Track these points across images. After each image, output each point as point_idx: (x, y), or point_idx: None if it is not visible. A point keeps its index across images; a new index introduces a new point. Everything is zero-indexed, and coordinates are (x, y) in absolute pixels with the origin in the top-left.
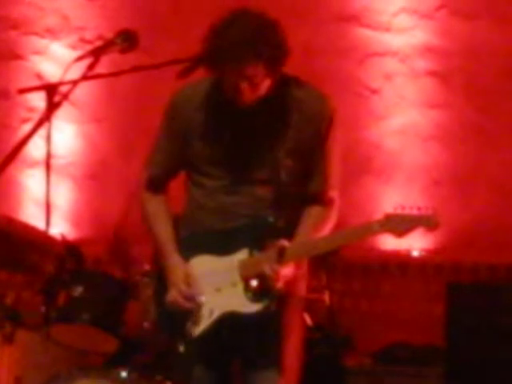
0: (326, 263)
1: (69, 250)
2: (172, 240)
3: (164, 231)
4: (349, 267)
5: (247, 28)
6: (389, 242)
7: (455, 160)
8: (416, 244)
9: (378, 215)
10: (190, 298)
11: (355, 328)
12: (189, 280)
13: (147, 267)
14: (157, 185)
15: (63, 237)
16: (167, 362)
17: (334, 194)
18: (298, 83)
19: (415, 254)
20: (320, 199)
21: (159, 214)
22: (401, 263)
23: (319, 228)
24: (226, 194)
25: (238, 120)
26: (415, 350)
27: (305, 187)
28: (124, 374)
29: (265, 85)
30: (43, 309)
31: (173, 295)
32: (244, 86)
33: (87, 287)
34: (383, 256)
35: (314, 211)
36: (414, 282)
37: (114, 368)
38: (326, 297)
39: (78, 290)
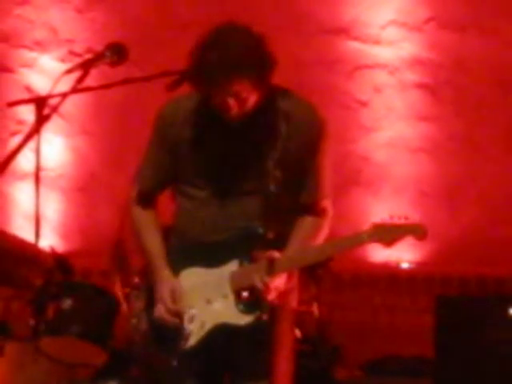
0: (315, 275)
1: (58, 262)
2: (162, 254)
3: (154, 245)
4: (338, 279)
5: (232, 46)
6: (378, 255)
7: (444, 172)
8: (405, 256)
9: (367, 227)
10: (176, 314)
11: (345, 340)
12: (175, 295)
13: (137, 280)
14: (147, 198)
15: (52, 249)
16: (157, 376)
17: (326, 203)
18: (286, 94)
19: (404, 266)
20: (313, 209)
21: (149, 228)
22: (390, 275)
23: (312, 238)
24: (215, 206)
25: (226, 132)
26: (405, 361)
27: (295, 198)
28: None
29: (252, 99)
30: (32, 321)
31: (159, 310)
32: (231, 102)
33: (76, 299)
34: (372, 268)
35: (306, 222)
36: (403, 294)
37: (104, 381)
38: (315, 309)
39: (67, 303)
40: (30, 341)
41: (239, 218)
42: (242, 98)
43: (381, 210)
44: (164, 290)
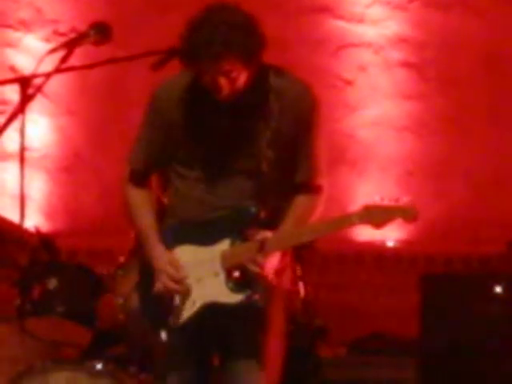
0: (300, 255)
1: (43, 242)
2: (155, 231)
3: (147, 223)
4: (324, 258)
5: (223, 24)
6: (364, 233)
7: (429, 151)
8: (390, 235)
9: (353, 206)
10: (180, 281)
11: (330, 319)
12: (175, 264)
13: (122, 259)
14: (140, 177)
15: (37, 229)
16: (144, 355)
17: (322, 181)
18: (278, 72)
19: (390, 244)
20: (308, 188)
21: (142, 206)
22: (375, 254)
23: (307, 217)
24: (208, 186)
25: (218, 112)
26: (390, 340)
27: (287, 177)
28: (99, 366)
29: (243, 78)
30: (18, 301)
31: (162, 281)
32: (222, 80)
33: (62, 280)
34: (358, 247)
35: (301, 200)
36: (388, 272)
37: (89, 360)
38: (301, 288)
39: (53, 283)
40: (15, 321)
41: (231, 197)
42: (233, 76)
43: (366, 188)
44: (163, 262)
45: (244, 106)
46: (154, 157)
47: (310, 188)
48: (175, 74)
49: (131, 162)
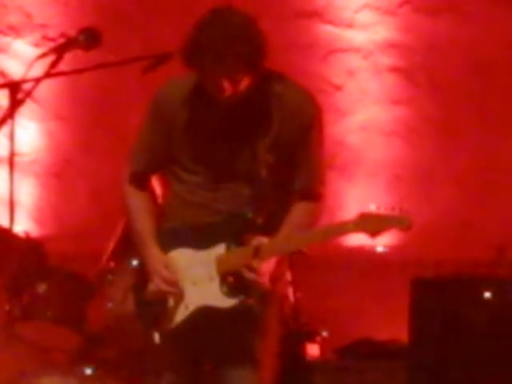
0: (289, 259)
1: (32, 247)
2: (152, 234)
3: (144, 225)
4: (313, 263)
5: (228, 27)
6: (353, 239)
7: (418, 156)
8: (380, 240)
9: (342, 211)
10: (173, 283)
11: (319, 324)
12: (169, 267)
13: (112, 264)
14: (140, 180)
15: (27, 234)
16: (134, 359)
17: (322, 189)
18: (280, 78)
19: (379, 249)
20: (309, 195)
21: (140, 208)
22: (365, 259)
23: (305, 225)
24: (206, 190)
25: (219, 116)
26: (379, 345)
27: (286, 183)
28: (89, 370)
29: (245, 81)
30: (7, 306)
31: (155, 283)
32: (225, 82)
33: (51, 284)
34: (348, 252)
35: (300, 208)
36: (378, 277)
37: (79, 365)
38: (290, 293)
39: (42, 288)
40: (4, 325)
41: (229, 202)
42: (236, 79)
43: (356, 193)
44: (157, 264)
45: (245, 110)
46: (154, 159)
47: (310, 195)
48: (174, 76)
49: (131, 163)
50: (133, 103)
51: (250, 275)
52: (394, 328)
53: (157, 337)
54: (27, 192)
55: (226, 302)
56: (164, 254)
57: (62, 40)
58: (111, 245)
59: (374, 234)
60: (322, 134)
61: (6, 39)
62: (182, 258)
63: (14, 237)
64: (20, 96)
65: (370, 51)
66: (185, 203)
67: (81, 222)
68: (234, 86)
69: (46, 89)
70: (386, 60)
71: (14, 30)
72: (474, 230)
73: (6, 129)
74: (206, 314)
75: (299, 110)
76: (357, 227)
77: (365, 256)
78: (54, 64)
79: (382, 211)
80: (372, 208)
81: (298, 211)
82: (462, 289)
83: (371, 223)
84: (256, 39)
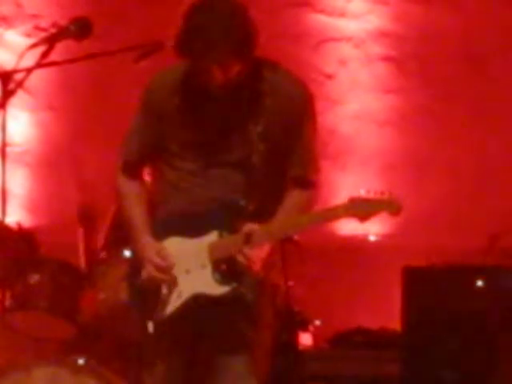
0: (281, 248)
1: (24, 237)
2: (145, 223)
3: (136, 214)
4: (305, 252)
5: (218, 14)
6: (346, 227)
7: (410, 145)
8: (372, 228)
9: (334, 200)
10: (166, 270)
11: (312, 313)
12: (162, 254)
13: (103, 255)
14: (132, 169)
15: (19, 225)
16: (127, 349)
17: (316, 177)
18: (272, 66)
19: (371, 238)
20: (302, 182)
21: (133, 197)
22: (357, 248)
23: (299, 212)
24: (198, 177)
25: (211, 104)
26: (372, 334)
27: (279, 171)
28: (81, 361)
29: (236, 69)
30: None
31: (148, 270)
32: (215, 69)
33: (43, 275)
34: (340, 241)
35: (293, 195)
36: (370, 266)
37: (72, 355)
38: (282, 282)
39: (35, 278)
40: None
41: (222, 189)
42: (226, 66)
43: (348, 182)
44: (150, 252)
45: (237, 98)
46: (146, 148)
47: (304, 183)
48: (165, 66)
49: (124, 153)
50: (124, 93)
51: (241, 261)
52: (386, 316)
53: (150, 326)
54: (19, 182)
55: (219, 290)
56: (157, 242)
57: (53, 30)
58: (102, 235)
59: (363, 218)
60: (315, 121)
61: None
62: (175, 246)
63: (6, 228)
64: (11, 86)
65: (361, 40)
66: (177, 190)
67: (73, 211)
68: (225, 73)
69: (37, 79)
70: (378, 49)
71: (6, 21)
72: (466, 219)
73: None
74: (199, 302)
75: (291, 97)
76: (347, 212)
77: (357, 245)
78: (45, 54)
79: (372, 195)
80: (361, 193)
81: (292, 199)
82: (454, 277)
83: (361, 207)
84: (246, 26)
